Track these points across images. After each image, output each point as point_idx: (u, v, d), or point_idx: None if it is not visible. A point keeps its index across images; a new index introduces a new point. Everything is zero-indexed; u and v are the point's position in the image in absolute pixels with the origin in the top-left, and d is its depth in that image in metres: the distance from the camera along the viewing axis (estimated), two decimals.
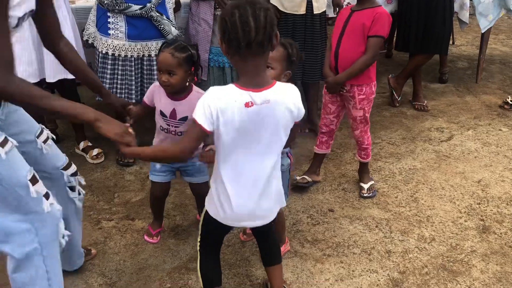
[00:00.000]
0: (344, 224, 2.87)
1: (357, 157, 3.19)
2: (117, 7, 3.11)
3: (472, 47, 6.38)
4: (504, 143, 3.87)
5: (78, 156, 3.54)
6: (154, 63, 3.29)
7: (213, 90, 1.71)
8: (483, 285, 2.43)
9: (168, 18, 3.26)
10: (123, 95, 3.30)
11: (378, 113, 4.30)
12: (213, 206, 1.91)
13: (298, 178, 3.16)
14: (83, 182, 2.28)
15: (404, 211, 2.99)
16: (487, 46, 5.08)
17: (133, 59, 3.25)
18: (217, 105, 1.66)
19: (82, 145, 3.57)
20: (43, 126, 2.05)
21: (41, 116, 3.26)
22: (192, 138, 1.73)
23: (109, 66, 3.25)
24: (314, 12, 3.56)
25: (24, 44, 2.93)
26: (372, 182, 3.19)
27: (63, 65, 2.10)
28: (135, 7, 3.11)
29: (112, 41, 3.20)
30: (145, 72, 3.33)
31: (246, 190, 1.84)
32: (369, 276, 2.47)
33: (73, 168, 2.19)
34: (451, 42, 5.28)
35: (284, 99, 1.76)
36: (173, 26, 3.26)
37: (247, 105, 1.69)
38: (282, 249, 2.49)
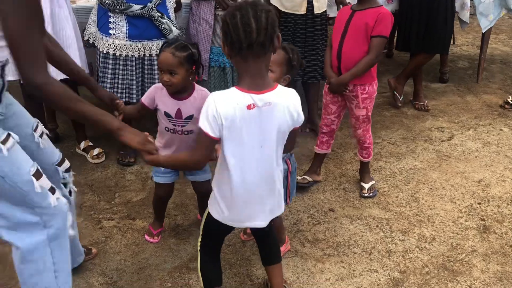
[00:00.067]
0: (345, 223, 2.87)
1: (358, 157, 3.19)
2: (118, 7, 3.12)
3: (472, 47, 6.38)
4: (505, 143, 3.87)
5: (78, 156, 3.54)
6: (155, 62, 3.29)
7: (215, 96, 1.71)
8: (483, 285, 2.43)
9: (169, 18, 3.27)
10: (124, 95, 3.31)
11: (379, 113, 4.30)
12: (215, 207, 1.92)
13: (298, 178, 3.16)
14: (72, 179, 2.28)
15: (405, 211, 3.00)
16: (487, 46, 5.08)
17: (134, 59, 3.26)
18: (219, 110, 1.67)
19: (83, 144, 3.58)
20: (38, 120, 2.06)
21: (40, 113, 3.28)
22: (202, 146, 1.76)
23: (110, 66, 3.26)
24: (315, 12, 3.56)
25: None
26: (373, 182, 3.19)
27: (47, 60, 2.09)
28: (136, 7, 3.12)
29: (113, 41, 3.20)
30: (146, 72, 3.34)
31: (248, 192, 1.84)
32: (369, 276, 2.47)
33: (67, 163, 2.20)
34: (451, 42, 5.27)
35: (285, 102, 1.77)
36: (174, 26, 3.26)
37: (249, 107, 1.70)
38: (282, 248, 2.49)
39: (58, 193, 1.88)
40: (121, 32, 3.19)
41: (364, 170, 3.21)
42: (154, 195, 2.69)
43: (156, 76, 3.31)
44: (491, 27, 4.80)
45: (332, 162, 3.54)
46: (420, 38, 4.24)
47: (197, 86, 2.41)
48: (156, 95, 2.39)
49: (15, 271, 2.44)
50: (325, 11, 3.66)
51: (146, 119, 2.57)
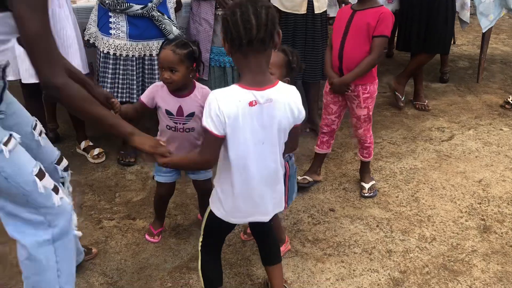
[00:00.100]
0: (345, 223, 2.87)
1: (359, 156, 3.19)
2: (118, 7, 3.12)
3: (473, 47, 6.38)
4: (505, 142, 3.87)
5: (79, 156, 3.54)
6: (156, 62, 3.29)
7: (216, 94, 1.71)
8: (484, 285, 2.43)
9: (169, 17, 3.27)
10: (124, 95, 3.31)
11: (379, 112, 4.30)
12: (217, 205, 1.92)
13: (299, 178, 3.16)
14: (69, 178, 2.28)
15: (405, 211, 3.00)
16: (488, 46, 5.08)
17: (134, 58, 3.26)
18: (222, 108, 1.67)
19: (83, 144, 3.58)
20: (36, 119, 2.06)
21: (41, 113, 3.28)
22: (209, 146, 1.76)
23: (110, 66, 3.26)
24: (315, 12, 3.55)
25: None
26: (373, 182, 3.19)
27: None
28: (136, 7, 3.12)
29: (114, 40, 3.20)
30: (146, 71, 3.34)
31: (250, 188, 1.84)
32: (370, 276, 2.47)
33: (65, 162, 2.21)
34: (452, 41, 5.27)
35: (286, 99, 1.77)
36: (174, 25, 3.27)
37: (251, 104, 1.70)
38: (282, 248, 2.50)
39: (61, 192, 1.89)
40: (121, 32, 3.19)
41: (364, 170, 3.21)
42: (155, 194, 2.69)
43: (157, 76, 3.31)
44: (492, 27, 4.80)
45: (333, 162, 3.54)
46: (420, 38, 4.23)
47: (197, 84, 2.41)
48: (156, 94, 2.39)
49: (15, 271, 2.45)
50: (325, 11, 3.66)
51: (146, 118, 2.57)
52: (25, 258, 1.86)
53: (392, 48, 5.74)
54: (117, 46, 3.21)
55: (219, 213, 1.92)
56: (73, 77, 2.18)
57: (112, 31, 3.19)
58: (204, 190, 2.64)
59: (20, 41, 1.99)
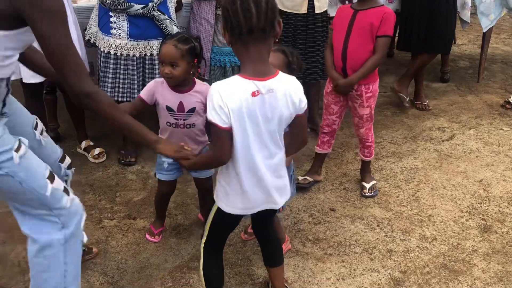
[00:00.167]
0: (346, 223, 2.87)
1: (360, 156, 3.19)
2: (119, 7, 3.12)
3: (473, 47, 6.37)
4: (506, 142, 3.87)
5: (79, 156, 3.54)
6: (156, 62, 3.29)
7: (218, 85, 1.69)
8: (484, 285, 2.43)
9: (170, 17, 3.27)
10: (125, 95, 3.31)
11: (380, 112, 4.30)
12: (225, 200, 1.90)
13: (300, 178, 3.16)
14: (72, 176, 2.30)
15: (406, 211, 3.00)
16: (488, 46, 5.08)
17: (135, 58, 3.26)
18: (225, 99, 1.66)
19: (83, 144, 3.58)
20: (36, 117, 2.07)
21: (42, 113, 3.28)
22: (218, 140, 1.74)
23: (111, 66, 3.26)
24: (316, 12, 3.55)
25: None
26: (374, 182, 3.19)
27: (24, 63, 2.08)
28: (137, 7, 3.12)
29: (114, 40, 3.20)
30: (147, 71, 3.34)
31: (257, 177, 1.83)
32: (370, 275, 2.47)
33: (68, 160, 2.23)
34: (453, 41, 5.27)
35: (287, 89, 1.76)
36: (175, 25, 3.26)
37: (253, 94, 1.69)
38: (282, 247, 2.49)
39: (71, 193, 1.91)
40: (122, 31, 3.19)
41: (365, 170, 3.21)
42: (156, 192, 2.69)
43: (157, 76, 3.31)
44: (492, 26, 4.80)
45: (333, 161, 3.54)
46: (420, 38, 4.23)
47: (197, 80, 2.41)
48: (156, 90, 2.38)
49: (15, 271, 2.45)
50: (326, 11, 3.66)
51: (146, 118, 2.57)
52: (34, 255, 1.88)
53: (392, 48, 5.74)
54: (117, 45, 3.21)
55: (227, 208, 1.90)
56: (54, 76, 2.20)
57: (113, 31, 3.19)
58: (206, 188, 2.65)
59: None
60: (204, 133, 2.48)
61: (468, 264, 2.56)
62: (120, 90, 3.30)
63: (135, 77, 3.29)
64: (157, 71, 3.31)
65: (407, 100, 4.42)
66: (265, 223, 2.14)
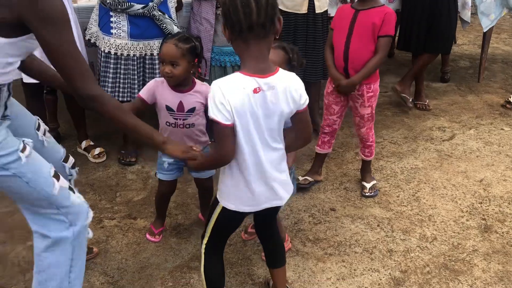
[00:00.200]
0: (346, 223, 2.87)
1: (361, 155, 3.19)
2: (119, 6, 3.12)
3: (474, 46, 6.37)
4: (506, 142, 3.87)
5: (80, 155, 3.54)
6: (156, 61, 3.29)
7: (219, 83, 1.68)
8: (484, 284, 2.43)
9: (170, 17, 3.27)
10: (125, 94, 3.31)
11: (380, 112, 4.30)
12: (230, 199, 1.89)
13: (300, 179, 3.16)
14: (76, 175, 2.31)
15: (406, 210, 2.99)
16: (489, 45, 5.08)
17: (135, 58, 3.26)
18: (227, 96, 1.65)
19: (84, 144, 3.58)
20: (38, 117, 2.07)
21: (42, 113, 3.29)
22: (222, 138, 1.73)
23: (111, 66, 3.26)
24: (316, 11, 3.55)
25: None
26: (374, 181, 3.19)
27: (24, 71, 2.07)
28: (137, 6, 3.12)
29: (115, 40, 3.20)
30: (147, 71, 3.34)
31: (261, 173, 1.83)
32: (370, 275, 2.47)
33: (72, 159, 2.25)
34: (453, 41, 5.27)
35: (288, 86, 1.76)
36: (175, 25, 3.26)
37: (255, 91, 1.69)
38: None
39: (76, 191, 1.94)
40: (122, 31, 3.19)
41: (365, 169, 3.21)
42: (157, 192, 2.69)
43: (158, 76, 3.31)
44: (493, 26, 4.80)
45: (333, 161, 3.54)
46: (421, 38, 4.24)
47: (197, 80, 2.41)
48: (157, 89, 2.37)
49: (16, 270, 2.46)
50: (326, 11, 3.65)
51: (147, 118, 2.56)
52: (42, 250, 1.89)
53: (393, 47, 5.74)
54: (118, 45, 3.21)
55: (232, 206, 1.89)
56: (57, 82, 2.21)
57: (113, 31, 3.19)
58: (206, 188, 2.65)
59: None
60: (204, 134, 2.48)
61: (468, 264, 2.56)
62: (121, 90, 3.30)
63: (136, 77, 3.29)
64: (157, 71, 3.31)
65: (410, 100, 4.41)
66: (268, 221, 2.14)
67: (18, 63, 1.78)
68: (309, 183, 3.17)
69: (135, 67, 3.27)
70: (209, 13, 3.40)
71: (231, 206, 1.90)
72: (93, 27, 3.37)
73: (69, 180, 2.21)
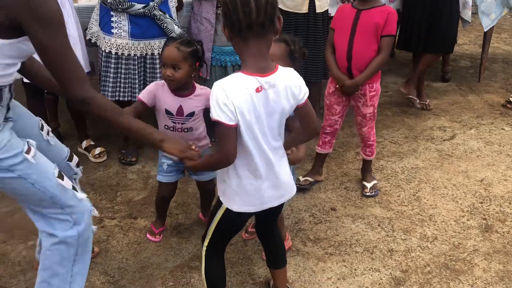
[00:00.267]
0: (346, 223, 2.87)
1: (362, 155, 3.19)
2: (120, 6, 3.12)
3: (474, 46, 6.37)
4: (507, 142, 3.87)
5: (80, 155, 3.53)
6: (157, 61, 3.29)
7: (222, 83, 1.68)
8: (485, 284, 2.43)
9: (171, 16, 3.27)
10: (126, 94, 3.31)
11: (381, 112, 4.30)
12: (234, 199, 1.87)
13: (301, 180, 3.16)
14: (81, 174, 2.32)
15: (407, 210, 2.99)
16: (489, 45, 5.08)
17: (136, 58, 3.26)
18: (230, 97, 1.65)
19: (84, 144, 3.58)
20: (40, 118, 2.08)
21: (43, 112, 3.29)
22: (224, 139, 1.72)
23: (112, 65, 3.26)
24: (317, 11, 3.55)
25: None
26: (375, 181, 3.19)
27: (23, 74, 2.07)
28: (138, 6, 3.12)
29: (115, 40, 3.20)
30: (148, 70, 3.34)
31: (267, 170, 1.83)
32: (371, 275, 2.47)
33: (76, 158, 2.25)
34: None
35: (288, 83, 1.76)
36: (176, 24, 3.26)
37: (257, 90, 1.69)
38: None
39: (80, 190, 1.94)
40: (123, 31, 3.19)
41: (366, 169, 3.21)
42: (157, 194, 2.69)
43: (158, 75, 3.31)
44: (493, 26, 4.80)
45: (334, 161, 3.54)
46: (421, 38, 4.24)
47: (197, 85, 2.41)
48: (157, 92, 2.37)
49: (16, 270, 2.46)
50: (326, 10, 3.65)
51: (146, 118, 2.55)
52: (47, 248, 1.90)
53: (393, 47, 5.74)
54: (119, 45, 3.21)
55: (237, 207, 1.88)
56: (55, 87, 2.20)
57: (114, 30, 3.19)
58: (207, 190, 2.65)
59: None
60: (202, 139, 2.47)
61: (469, 264, 2.56)
62: (121, 89, 3.30)
63: (136, 76, 3.29)
64: (158, 70, 3.31)
65: (418, 101, 4.41)
66: (270, 221, 2.14)
67: (18, 65, 1.78)
68: (309, 184, 3.17)
69: (136, 67, 3.27)
70: (209, 13, 3.40)
71: (236, 208, 1.88)
72: (94, 26, 3.37)
73: (74, 179, 2.22)
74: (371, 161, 3.21)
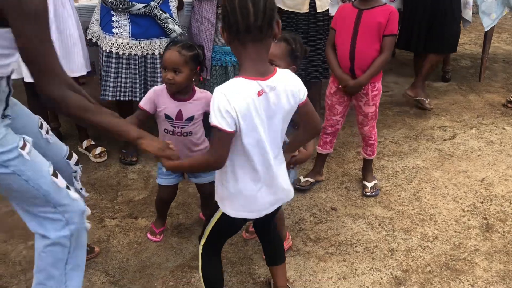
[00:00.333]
0: (347, 222, 2.87)
1: (362, 154, 3.18)
2: (120, 6, 3.12)
3: (475, 46, 6.37)
4: (507, 141, 3.86)
5: (81, 155, 3.54)
6: (158, 61, 3.29)
7: (223, 89, 1.67)
8: (486, 284, 2.43)
9: (171, 16, 3.27)
10: (127, 94, 3.31)
11: (381, 111, 4.28)
12: (232, 204, 1.87)
13: (302, 180, 3.15)
14: (81, 173, 2.31)
15: (407, 210, 2.99)
16: (490, 45, 5.08)
17: (137, 57, 3.26)
18: (232, 103, 1.64)
19: (85, 143, 3.58)
20: (40, 117, 2.08)
21: (43, 112, 3.28)
22: (220, 144, 1.71)
23: (113, 65, 3.26)
24: (317, 11, 3.55)
25: None
26: (376, 181, 3.19)
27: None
28: (138, 6, 3.12)
29: (116, 39, 3.20)
30: (148, 70, 3.34)
31: (269, 175, 1.83)
32: (372, 275, 2.47)
33: (75, 156, 2.24)
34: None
35: (286, 85, 1.76)
36: (176, 24, 3.26)
37: (259, 94, 1.68)
38: (283, 245, 2.49)
39: (73, 190, 1.93)
40: (124, 31, 3.19)
41: (367, 169, 3.20)
42: (157, 196, 2.69)
43: (159, 75, 3.31)
44: (494, 26, 4.80)
45: (334, 161, 3.54)
46: (421, 37, 4.24)
47: (197, 89, 2.41)
48: (157, 98, 2.36)
49: (17, 269, 2.46)
50: (327, 10, 3.66)
51: (148, 123, 2.55)
52: (41, 250, 1.90)
53: (394, 47, 5.73)
54: (119, 45, 3.21)
55: (233, 212, 1.87)
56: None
57: (114, 30, 3.19)
58: (208, 193, 2.64)
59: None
60: (200, 144, 2.47)
61: (469, 264, 2.56)
62: (122, 89, 3.30)
63: (137, 76, 3.29)
64: (158, 70, 3.31)
65: (427, 101, 4.39)
66: (269, 221, 2.14)
67: (15, 56, 1.75)
68: (310, 185, 3.17)
69: (137, 67, 3.28)
70: (210, 13, 3.40)
71: (232, 213, 1.88)
72: (95, 26, 3.37)
73: (75, 177, 2.21)
74: (372, 161, 3.21)
